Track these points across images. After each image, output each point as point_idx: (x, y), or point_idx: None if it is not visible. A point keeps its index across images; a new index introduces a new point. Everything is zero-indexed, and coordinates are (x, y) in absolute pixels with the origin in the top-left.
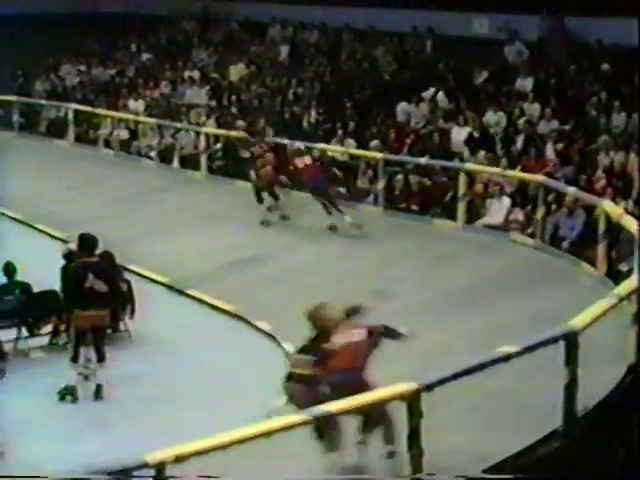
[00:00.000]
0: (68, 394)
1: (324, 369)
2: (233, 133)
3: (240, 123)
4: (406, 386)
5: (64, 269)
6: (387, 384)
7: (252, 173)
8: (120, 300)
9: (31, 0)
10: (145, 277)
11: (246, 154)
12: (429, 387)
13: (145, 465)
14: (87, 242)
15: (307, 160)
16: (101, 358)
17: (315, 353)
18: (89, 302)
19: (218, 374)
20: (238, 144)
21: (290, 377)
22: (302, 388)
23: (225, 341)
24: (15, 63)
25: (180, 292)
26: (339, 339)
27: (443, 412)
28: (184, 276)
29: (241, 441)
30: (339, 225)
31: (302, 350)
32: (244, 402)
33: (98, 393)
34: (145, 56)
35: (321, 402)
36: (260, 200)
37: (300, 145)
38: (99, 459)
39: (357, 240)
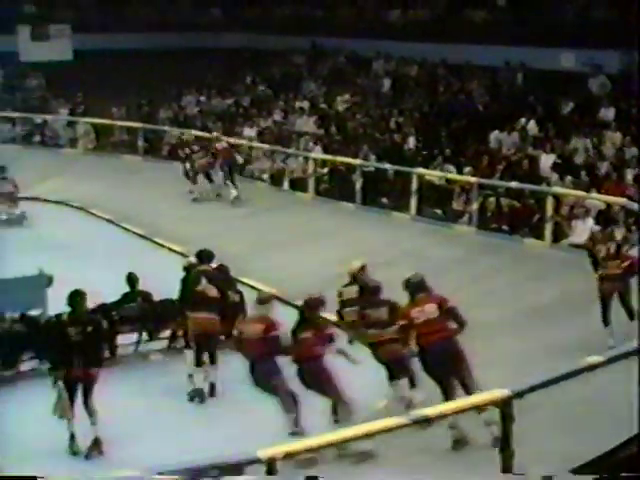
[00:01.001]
0: (196, 395)
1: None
2: (338, 158)
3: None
4: (499, 393)
5: (184, 280)
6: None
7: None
8: (232, 309)
9: (157, 36)
10: (256, 289)
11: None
12: (520, 394)
13: (257, 460)
14: (205, 254)
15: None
16: (213, 361)
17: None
18: (200, 305)
19: None
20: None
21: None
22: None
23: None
24: (141, 93)
25: (288, 303)
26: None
27: (530, 417)
28: (292, 288)
29: (345, 441)
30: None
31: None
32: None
33: (212, 392)
34: (259, 88)
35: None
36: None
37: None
38: (211, 454)
39: (452, 258)
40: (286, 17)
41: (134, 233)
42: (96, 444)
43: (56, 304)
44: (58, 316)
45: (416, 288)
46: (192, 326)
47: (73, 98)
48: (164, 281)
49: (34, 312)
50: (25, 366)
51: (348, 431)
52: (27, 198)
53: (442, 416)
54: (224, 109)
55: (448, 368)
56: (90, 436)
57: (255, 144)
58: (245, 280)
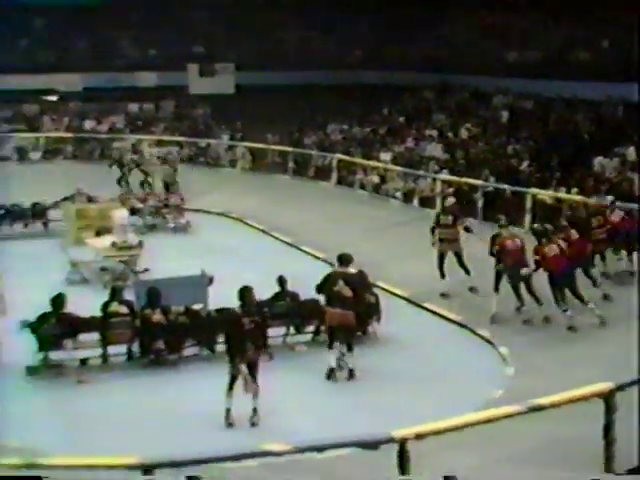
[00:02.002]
0: (330, 374)
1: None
2: (462, 180)
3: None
4: (603, 386)
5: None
6: (584, 384)
7: None
8: (367, 309)
9: (307, 73)
10: (390, 292)
11: None
12: (622, 387)
13: (391, 440)
14: (344, 258)
15: None
16: (349, 349)
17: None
18: (336, 302)
19: (444, 369)
20: None
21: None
22: None
23: (451, 344)
24: (292, 122)
25: (417, 304)
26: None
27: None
28: (421, 291)
29: (468, 425)
30: None
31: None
32: (465, 393)
33: (351, 375)
34: (394, 118)
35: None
36: None
37: None
38: (350, 431)
39: None
40: (418, 57)
41: (283, 241)
42: (255, 413)
43: (215, 300)
44: (228, 309)
45: (541, 235)
46: (328, 319)
47: (233, 125)
48: (309, 283)
49: (196, 306)
50: (187, 352)
51: (472, 416)
52: (192, 209)
53: (555, 405)
54: (364, 136)
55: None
56: (249, 408)
57: (390, 166)
58: (380, 284)
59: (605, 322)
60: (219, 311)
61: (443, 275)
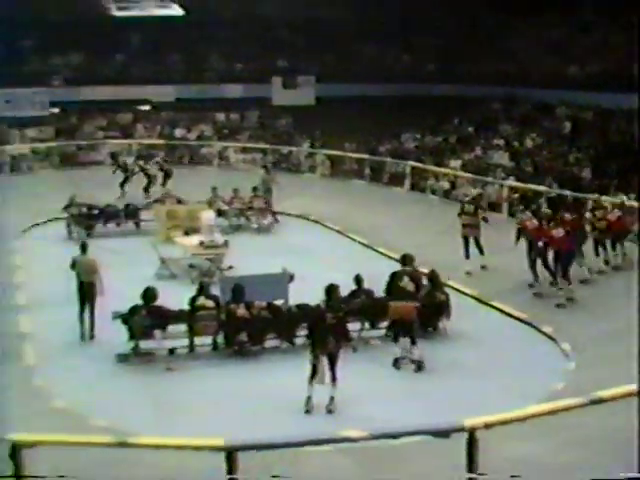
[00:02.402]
0: (395, 363)
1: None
2: (527, 186)
3: None
4: None
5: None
6: None
7: None
8: (437, 306)
9: (383, 86)
10: (459, 290)
11: None
12: None
13: (462, 429)
14: (407, 258)
15: None
16: (413, 342)
17: None
18: (400, 297)
19: (509, 363)
20: None
21: None
22: None
23: (516, 340)
24: (368, 131)
25: (485, 303)
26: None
27: None
28: (488, 290)
29: (533, 416)
30: None
31: None
32: (528, 386)
33: (419, 367)
34: (464, 128)
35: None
36: None
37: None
38: (422, 420)
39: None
40: (487, 71)
41: (359, 242)
42: (332, 401)
43: (295, 296)
44: (308, 305)
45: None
46: (391, 313)
47: (313, 134)
48: (383, 282)
49: (277, 302)
50: (268, 344)
51: (536, 408)
52: (274, 212)
53: (615, 398)
54: (435, 145)
55: None
56: (327, 396)
57: (460, 173)
58: (450, 283)
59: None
60: (299, 307)
61: (468, 256)
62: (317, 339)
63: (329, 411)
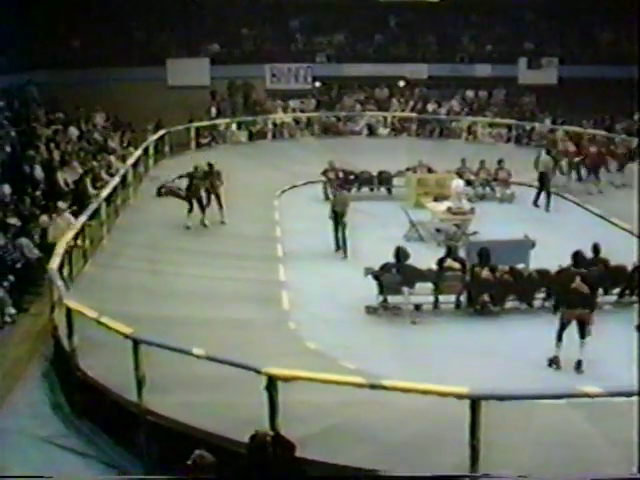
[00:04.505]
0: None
1: None
2: None
3: None
4: None
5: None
6: None
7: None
8: None
9: (623, 68)
10: None
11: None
12: None
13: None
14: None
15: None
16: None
17: None
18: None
19: None
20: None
21: None
22: None
23: None
24: (604, 110)
25: None
26: None
27: None
28: None
29: None
30: None
31: None
32: None
33: (579, 367)
34: None
35: None
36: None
37: None
38: None
39: None
40: None
41: (594, 214)
42: (579, 364)
43: (536, 261)
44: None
45: None
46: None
47: (555, 112)
48: (616, 251)
49: (519, 266)
50: (508, 305)
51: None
52: (517, 183)
53: None
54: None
55: None
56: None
57: None
58: None
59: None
60: (539, 272)
61: None
62: (562, 302)
63: (580, 371)
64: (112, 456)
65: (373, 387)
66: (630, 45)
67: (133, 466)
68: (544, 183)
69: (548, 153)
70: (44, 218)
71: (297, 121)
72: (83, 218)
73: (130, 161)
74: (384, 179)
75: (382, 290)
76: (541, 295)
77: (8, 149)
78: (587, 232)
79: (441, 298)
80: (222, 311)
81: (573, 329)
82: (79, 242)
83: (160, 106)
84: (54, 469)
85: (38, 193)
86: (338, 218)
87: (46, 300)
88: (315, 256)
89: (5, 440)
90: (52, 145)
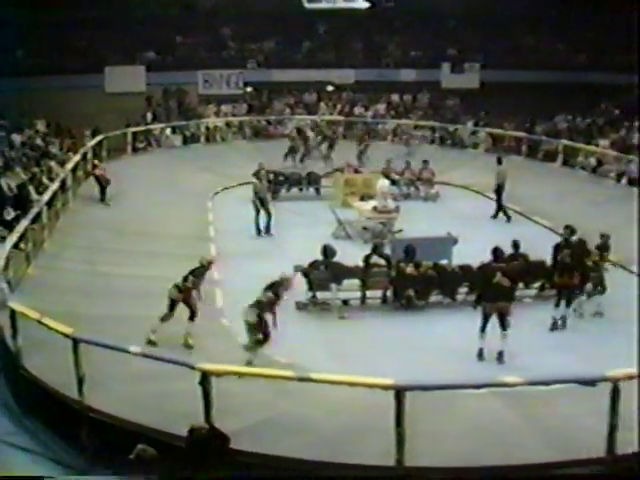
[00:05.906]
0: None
1: None
2: None
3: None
4: None
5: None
6: None
7: None
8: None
9: (541, 73)
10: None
11: None
12: None
13: (604, 379)
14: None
15: None
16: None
17: None
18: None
19: None
20: None
21: None
22: None
23: None
24: (525, 113)
25: (627, 269)
26: None
27: None
28: (630, 255)
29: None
30: None
31: None
32: None
33: (500, 358)
34: (611, 111)
35: None
36: None
37: None
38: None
39: None
40: (633, 61)
41: (516, 211)
42: (501, 355)
43: (458, 258)
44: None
45: None
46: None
47: (477, 115)
48: (536, 247)
49: (442, 262)
50: (432, 299)
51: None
52: (440, 182)
53: None
54: (585, 127)
55: None
56: (497, 349)
57: (605, 151)
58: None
59: None
60: (461, 267)
61: None
62: (485, 295)
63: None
64: (57, 452)
65: (302, 380)
66: (549, 50)
67: (77, 461)
68: (500, 194)
69: (499, 162)
70: None
71: (229, 125)
72: (25, 222)
73: (69, 166)
74: (313, 179)
75: (311, 286)
76: (464, 289)
77: None
78: (508, 229)
79: (368, 293)
80: (158, 309)
81: (495, 321)
82: (22, 245)
83: (98, 112)
84: (3, 467)
85: None
86: (260, 202)
87: None
88: (247, 255)
89: None
90: None
